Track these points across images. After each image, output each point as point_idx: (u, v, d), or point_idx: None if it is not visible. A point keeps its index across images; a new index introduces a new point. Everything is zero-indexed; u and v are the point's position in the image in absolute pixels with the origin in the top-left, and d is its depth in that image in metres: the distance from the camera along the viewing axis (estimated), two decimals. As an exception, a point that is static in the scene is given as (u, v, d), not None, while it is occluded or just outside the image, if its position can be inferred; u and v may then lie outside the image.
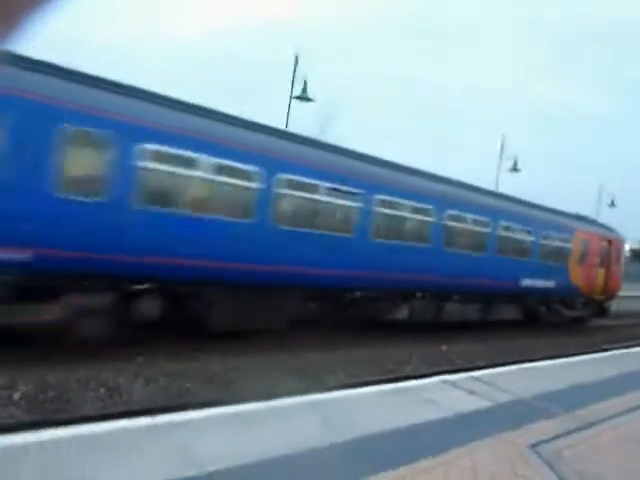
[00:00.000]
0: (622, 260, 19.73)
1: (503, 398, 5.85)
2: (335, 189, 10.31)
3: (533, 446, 4.53)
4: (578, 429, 5.21)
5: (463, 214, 13.17)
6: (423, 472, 3.75)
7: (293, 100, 20.53)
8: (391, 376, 8.58)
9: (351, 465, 3.75)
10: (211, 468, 3.32)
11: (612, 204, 37.73)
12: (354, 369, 9.05)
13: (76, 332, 7.24)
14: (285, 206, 9.96)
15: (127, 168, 7.56)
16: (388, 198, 11.31)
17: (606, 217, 37.64)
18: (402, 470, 3.72)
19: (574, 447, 4.67)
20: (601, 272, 17.87)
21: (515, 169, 28.47)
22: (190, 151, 8.20)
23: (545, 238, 15.62)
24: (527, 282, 15.27)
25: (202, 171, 8.40)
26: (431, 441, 4.31)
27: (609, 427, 5.42)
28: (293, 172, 9.68)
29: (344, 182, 10.43)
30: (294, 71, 20.25)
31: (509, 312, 15.63)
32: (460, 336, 13.76)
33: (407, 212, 11.88)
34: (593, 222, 19.57)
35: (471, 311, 14.30)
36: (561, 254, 16.34)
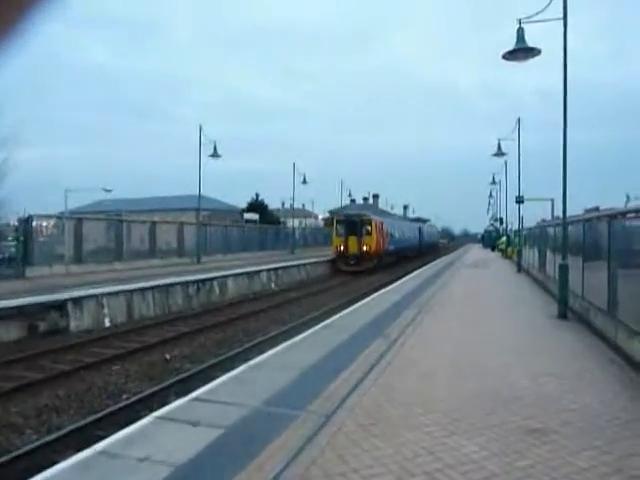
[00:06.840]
0: None
1: (233, 417, 4.79)
2: None
3: (274, 478, 3.62)
4: (321, 426, 4.59)
5: None
6: None
7: None
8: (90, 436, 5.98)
9: None
10: None
11: (304, 181, 42.02)
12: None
13: None
14: None
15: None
16: None
17: (301, 193, 42.01)
18: None
19: (322, 458, 3.97)
20: None
21: (215, 155, 28.48)
22: None
23: None
24: None
25: None
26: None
27: (346, 414, 4.98)
28: None
29: None
30: None
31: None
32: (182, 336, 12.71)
33: None
34: None
35: None
36: None
